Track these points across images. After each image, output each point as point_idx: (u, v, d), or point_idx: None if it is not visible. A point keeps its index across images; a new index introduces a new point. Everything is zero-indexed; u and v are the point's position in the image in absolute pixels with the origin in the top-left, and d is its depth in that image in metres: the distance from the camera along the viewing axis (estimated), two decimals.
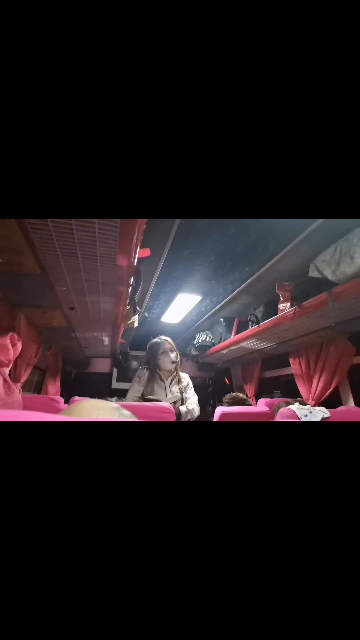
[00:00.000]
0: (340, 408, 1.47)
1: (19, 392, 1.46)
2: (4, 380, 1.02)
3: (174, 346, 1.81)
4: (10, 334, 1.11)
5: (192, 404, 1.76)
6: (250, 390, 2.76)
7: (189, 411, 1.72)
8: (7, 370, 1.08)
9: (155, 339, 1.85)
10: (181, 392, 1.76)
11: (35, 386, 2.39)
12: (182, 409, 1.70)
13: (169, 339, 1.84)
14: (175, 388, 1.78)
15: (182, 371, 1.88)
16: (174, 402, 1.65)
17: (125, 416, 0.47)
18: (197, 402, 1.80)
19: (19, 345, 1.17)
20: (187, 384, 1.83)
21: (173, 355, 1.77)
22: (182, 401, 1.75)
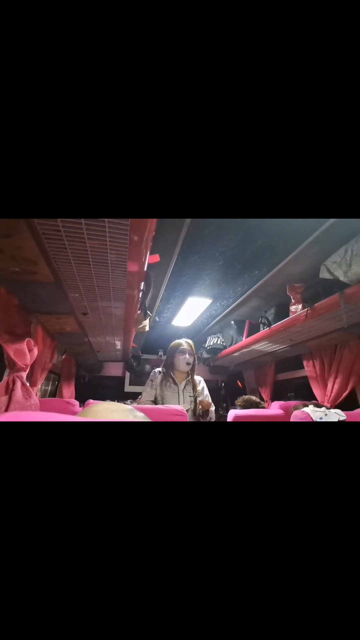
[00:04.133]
0: (357, 410, 1.43)
1: (36, 396, 1.50)
2: (22, 384, 1.06)
3: (193, 350, 1.80)
4: (27, 339, 1.15)
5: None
6: (265, 393, 2.73)
7: (211, 411, 1.72)
8: (24, 375, 1.12)
9: (177, 340, 1.85)
10: (195, 397, 1.75)
11: (50, 395, 2.45)
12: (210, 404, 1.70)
13: (190, 341, 1.83)
14: (189, 392, 1.77)
15: (195, 374, 1.87)
16: (187, 410, 1.66)
17: (139, 418, 0.48)
18: (213, 411, 1.78)
19: (35, 351, 1.21)
20: (203, 389, 1.81)
21: (190, 357, 1.76)
22: (196, 406, 1.74)
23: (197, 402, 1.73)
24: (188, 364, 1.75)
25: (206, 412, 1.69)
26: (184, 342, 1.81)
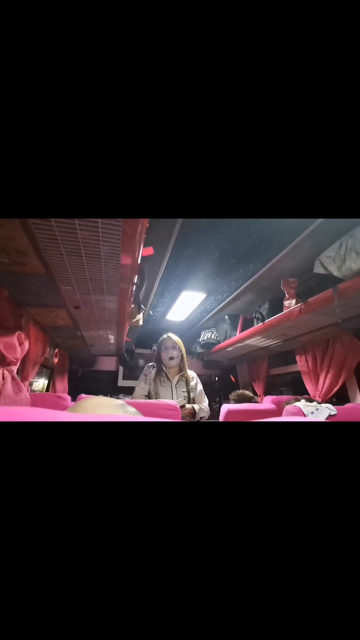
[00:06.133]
0: (348, 405, 1.46)
1: (27, 390, 1.48)
2: (12, 378, 1.04)
3: (177, 343, 1.75)
4: (17, 332, 1.12)
5: (203, 404, 1.73)
6: (259, 388, 2.75)
7: (202, 409, 1.69)
8: (15, 369, 1.10)
9: (163, 335, 1.83)
10: (189, 392, 1.74)
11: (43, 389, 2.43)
12: (196, 407, 1.66)
13: (173, 335, 1.78)
14: (182, 388, 1.75)
15: (189, 369, 1.84)
16: (182, 406, 1.63)
17: (131, 413, 0.47)
18: (207, 406, 1.74)
19: (26, 344, 1.19)
20: (196, 385, 1.77)
21: (173, 352, 1.72)
22: (189, 402, 1.72)
23: (190, 398, 1.71)
24: (171, 358, 1.72)
25: (191, 415, 1.63)
26: (167, 337, 1.78)
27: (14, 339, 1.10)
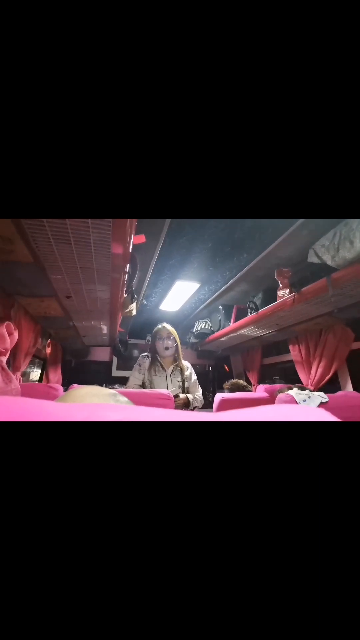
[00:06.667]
0: (339, 393, 1.48)
1: (19, 381, 1.46)
2: (2, 368, 1.02)
3: (172, 333, 1.77)
4: (6, 322, 1.10)
5: (196, 394, 1.76)
6: (252, 377, 2.78)
7: (195, 399, 1.72)
8: (4, 359, 1.08)
9: (158, 325, 1.84)
10: (183, 382, 1.76)
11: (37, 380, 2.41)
12: (190, 396, 1.69)
13: (168, 325, 1.80)
14: (176, 378, 1.77)
15: (183, 359, 1.86)
16: (176, 396, 1.65)
17: (122, 403, 0.46)
18: (201, 396, 1.79)
19: (16, 334, 1.17)
20: (190, 374, 1.80)
21: (168, 342, 1.74)
22: (184, 391, 1.75)
23: (185, 388, 1.74)
24: (166, 348, 1.74)
25: (185, 405, 1.68)
26: (162, 327, 1.79)
27: (2, 329, 1.07)
